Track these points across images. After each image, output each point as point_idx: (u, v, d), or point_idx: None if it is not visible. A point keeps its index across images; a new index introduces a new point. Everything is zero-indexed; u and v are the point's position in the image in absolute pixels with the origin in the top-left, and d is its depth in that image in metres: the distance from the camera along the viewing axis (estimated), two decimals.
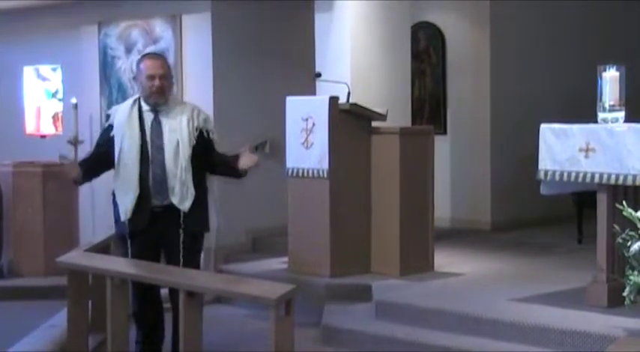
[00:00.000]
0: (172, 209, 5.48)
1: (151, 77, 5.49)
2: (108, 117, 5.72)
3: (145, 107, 5.55)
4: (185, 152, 5.44)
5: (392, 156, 7.05)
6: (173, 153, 5.44)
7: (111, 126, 5.60)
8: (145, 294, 5.52)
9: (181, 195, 5.44)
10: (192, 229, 5.52)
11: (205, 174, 5.65)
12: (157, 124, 5.51)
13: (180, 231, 5.46)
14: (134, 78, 5.79)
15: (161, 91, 5.50)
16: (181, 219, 5.45)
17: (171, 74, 5.67)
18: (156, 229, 5.48)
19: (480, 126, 9.69)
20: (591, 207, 6.06)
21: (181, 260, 5.47)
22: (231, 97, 8.83)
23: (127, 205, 5.49)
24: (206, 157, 5.56)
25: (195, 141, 5.50)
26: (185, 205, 5.45)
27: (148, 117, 5.53)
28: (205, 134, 5.56)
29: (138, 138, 5.47)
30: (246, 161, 5.46)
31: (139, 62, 5.69)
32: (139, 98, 5.60)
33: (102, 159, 5.64)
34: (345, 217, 7.10)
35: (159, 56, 5.85)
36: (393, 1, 8.14)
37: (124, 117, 5.54)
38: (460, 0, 9.72)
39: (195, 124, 5.53)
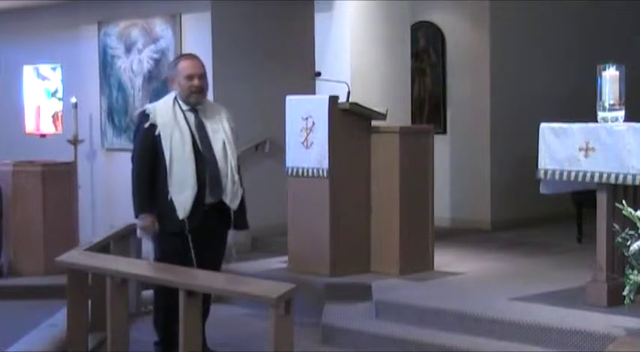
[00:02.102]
0: (221, 207, 5.58)
1: (190, 77, 5.57)
2: (145, 116, 5.57)
3: (185, 107, 5.61)
4: (233, 152, 5.60)
5: (392, 156, 7.05)
6: (222, 153, 5.56)
7: (153, 126, 5.54)
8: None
9: (232, 194, 5.57)
10: (239, 228, 5.71)
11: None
12: (200, 124, 5.59)
13: (230, 229, 5.68)
14: (167, 79, 5.95)
15: (201, 90, 5.60)
16: (232, 217, 5.62)
17: (206, 74, 5.77)
18: (207, 227, 5.54)
19: (479, 125, 9.69)
20: (591, 207, 6.06)
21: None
22: (231, 97, 8.84)
23: (185, 202, 5.49)
24: None
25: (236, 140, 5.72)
26: (235, 203, 5.60)
27: (190, 116, 5.59)
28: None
29: (189, 136, 5.53)
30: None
31: (175, 64, 5.78)
32: (176, 98, 5.63)
33: (154, 166, 5.58)
34: (345, 216, 7.10)
35: (195, 56, 5.85)
36: (393, 0, 8.13)
37: (168, 115, 5.56)
38: (460, 0, 9.72)
39: (231, 124, 5.70)
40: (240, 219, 5.68)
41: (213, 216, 5.57)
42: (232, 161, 5.58)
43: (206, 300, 5.57)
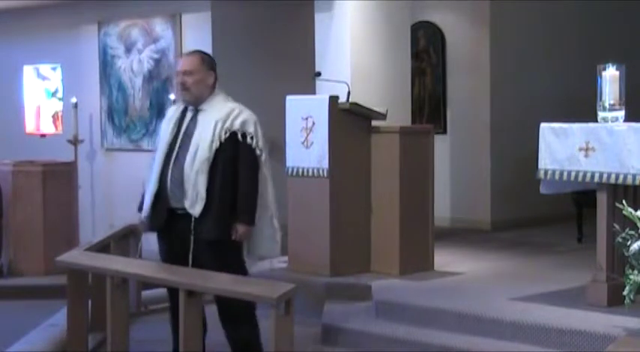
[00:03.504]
0: (188, 213, 5.25)
1: (177, 74, 5.42)
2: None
3: (190, 107, 5.39)
4: (202, 154, 5.19)
5: (392, 156, 7.04)
6: (192, 156, 5.22)
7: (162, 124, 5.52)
8: None
9: (192, 200, 5.19)
10: (203, 237, 5.22)
11: (237, 180, 5.30)
12: (192, 125, 5.33)
13: (191, 237, 5.22)
14: None
15: (184, 88, 5.33)
16: (192, 224, 5.21)
17: (203, 71, 5.36)
18: (174, 231, 5.30)
19: (479, 125, 9.69)
20: (591, 207, 6.06)
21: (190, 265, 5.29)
22: (231, 97, 8.83)
23: (146, 202, 5.35)
24: (237, 164, 5.29)
25: (218, 144, 5.21)
26: (195, 210, 5.18)
27: (189, 116, 5.37)
28: (240, 137, 5.26)
29: (170, 137, 5.33)
30: (239, 234, 5.27)
31: None
32: None
33: None
34: (345, 217, 7.09)
35: (190, 53, 5.58)
36: (393, 0, 8.14)
37: (171, 113, 5.46)
38: (460, 0, 9.73)
39: (227, 125, 5.25)
40: (202, 228, 5.21)
41: (184, 221, 5.24)
42: (197, 164, 5.17)
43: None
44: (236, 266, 5.25)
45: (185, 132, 5.34)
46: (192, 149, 5.24)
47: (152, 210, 5.35)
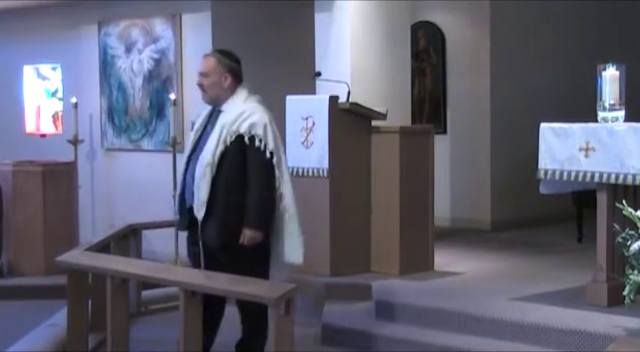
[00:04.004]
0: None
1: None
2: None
3: (216, 107, 5.30)
4: (206, 158, 5.09)
5: (392, 156, 7.05)
6: (201, 159, 5.12)
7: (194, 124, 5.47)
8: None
9: (197, 204, 5.10)
10: (207, 242, 5.12)
11: (245, 185, 5.12)
12: (211, 127, 5.24)
13: (199, 242, 5.14)
14: None
15: (201, 89, 5.27)
16: (199, 228, 5.12)
17: (218, 73, 5.24)
18: (193, 233, 5.23)
19: (479, 125, 9.69)
20: (591, 207, 6.06)
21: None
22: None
23: (176, 202, 5.34)
24: (246, 166, 5.13)
25: (223, 148, 5.08)
26: (199, 214, 5.09)
27: (213, 118, 5.27)
28: (247, 140, 5.14)
29: (194, 140, 5.27)
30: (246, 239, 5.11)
31: None
32: None
33: None
34: (345, 217, 7.09)
35: (208, 54, 5.47)
36: (393, 0, 8.14)
37: (201, 115, 5.39)
38: (460, 0, 9.72)
39: (233, 129, 5.10)
40: (208, 232, 5.10)
41: (197, 224, 5.16)
42: (202, 168, 5.07)
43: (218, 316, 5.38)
44: (245, 271, 5.03)
45: (205, 135, 5.26)
46: (202, 152, 5.16)
47: (179, 210, 5.32)
